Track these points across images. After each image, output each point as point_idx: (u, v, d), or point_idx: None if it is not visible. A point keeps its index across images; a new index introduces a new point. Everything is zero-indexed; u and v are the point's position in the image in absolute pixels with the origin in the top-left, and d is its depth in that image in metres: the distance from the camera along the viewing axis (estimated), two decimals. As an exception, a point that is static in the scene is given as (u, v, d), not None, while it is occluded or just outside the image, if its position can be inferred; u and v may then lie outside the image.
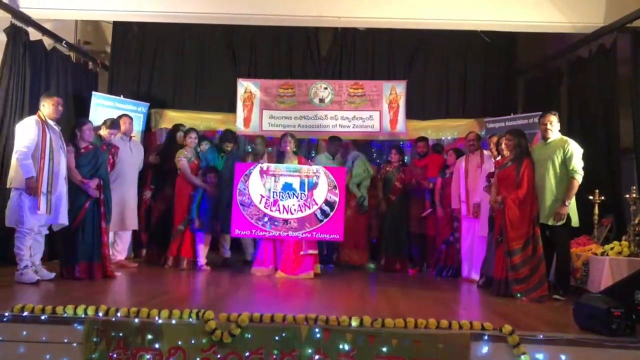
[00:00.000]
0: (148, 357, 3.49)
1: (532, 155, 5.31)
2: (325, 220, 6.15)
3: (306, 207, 6.14)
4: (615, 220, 5.87)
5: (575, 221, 5.12)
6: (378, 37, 8.14)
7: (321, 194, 6.18)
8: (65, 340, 3.51)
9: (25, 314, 3.59)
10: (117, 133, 6.14)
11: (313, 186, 6.19)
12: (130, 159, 6.41)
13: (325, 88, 7.98)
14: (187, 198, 6.39)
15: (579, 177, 5.00)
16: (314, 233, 6.13)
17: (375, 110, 7.93)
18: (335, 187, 6.19)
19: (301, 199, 6.16)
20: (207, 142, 6.81)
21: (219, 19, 6.99)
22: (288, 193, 6.17)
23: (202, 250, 6.37)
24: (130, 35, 8.17)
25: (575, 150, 5.04)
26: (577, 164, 5.01)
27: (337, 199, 6.18)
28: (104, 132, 5.95)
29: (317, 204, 6.17)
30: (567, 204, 4.98)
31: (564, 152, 5.04)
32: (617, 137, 6.21)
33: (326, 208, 6.16)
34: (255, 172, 6.19)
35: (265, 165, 6.26)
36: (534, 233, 5.02)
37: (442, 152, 7.23)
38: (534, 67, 8.16)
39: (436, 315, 3.72)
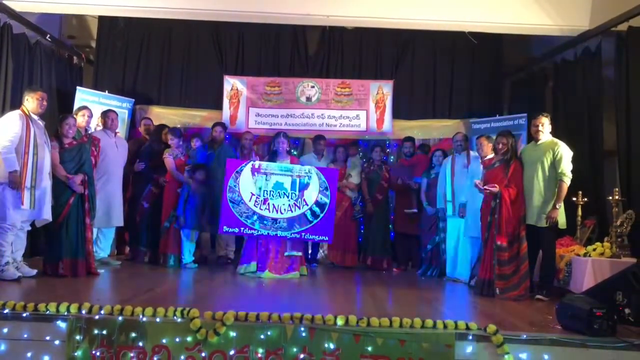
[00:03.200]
0: (132, 355, 3.47)
1: (521, 156, 5.37)
2: (315, 222, 6.10)
3: (296, 207, 6.09)
4: (597, 222, 5.95)
5: (562, 223, 5.17)
6: (366, 36, 8.13)
7: (312, 194, 6.13)
8: (48, 338, 3.49)
9: (6, 311, 3.55)
10: (89, 114, 6.02)
11: (304, 186, 6.15)
12: (116, 155, 6.32)
13: (313, 86, 7.97)
14: (174, 195, 6.39)
15: (567, 180, 5.04)
16: (303, 234, 6.09)
17: (362, 109, 7.94)
18: (326, 188, 6.16)
19: (292, 198, 6.11)
20: (198, 138, 6.78)
21: (206, 15, 6.94)
22: (279, 192, 6.10)
23: (188, 248, 6.34)
24: (115, 30, 8.06)
25: (565, 153, 5.09)
26: (566, 166, 5.05)
27: (328, 201, 6.14)
28: (79, 119, 5.80)
29: (307, 205, 6.12)
30: (557, 207, 5.03)
31: (554, 154, 5.08)
32: (601, 140, 6.29)
33: (316, 209, 6.12)
34: (247, 170, 6.13)
35: (257, 163, 6.20)
36: (519, 233, 5.08)
37: (428, 152, 7.25)
38: (520, 69, 8.23)
39: (421, 315, 3.75)
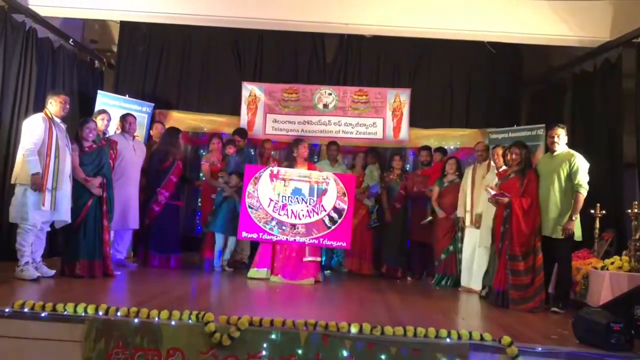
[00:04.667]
0: (147, 357, 3.48)
1: (537, 167, 5.35)
2: (333, 227, 6.13)
3: (314, 213, 6.13)
4: (616, 235, 5.88)
5: (578, 235, 5.12)
6: (384, 44, 8.14)
7: (330, 200, 6.16)
8: (65, 338, 3.51)
9: (25, 310, 3.59)
10: (108, 117, 6.13)
11: (322, 192, 6.18)
12: (134, 159, 6.39)
13: (330, 94, 8.01)
14: (210, 201, 6.65)
15: (583, 192, 5.00)
16: (321, 239, 6.12)
17: (379, 117, 7.96)
18: (344, 194, 6.19)
19: (310, 204, 6.14)
20: (232, 145, 6.92)
21: (226, 21, 7.01)
22: (297, 198, 6.15)
23: (219, 252, 6.46)
24: (137, 35, 8.19)
25: (581, 165, 5.05)
26: (583, 178, 5.02)
27: (345, 207, 6.17)
28: (98, 123, 5.85)
29: (325, 211, 6.15)
30: (573, 218, 4.99)
31: (570, 165, 5.05)
32: (620, 152, 6.22)
33: (334, 215, 6.15)
34: (265, 175, 6.17)
35: (275, 169, 6.25)
36: (534, 245, 5.04)
37: (445, 155, 7.22)
38: (539, 80, 8.19)
39: (435, 324, 3.72)
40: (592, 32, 6.57)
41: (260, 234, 6.08)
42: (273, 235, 6.06)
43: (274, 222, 6.08)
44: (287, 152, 7.15)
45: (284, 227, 6.09)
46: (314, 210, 6.14)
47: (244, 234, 6.10)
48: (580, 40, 6.64)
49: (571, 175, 5.04)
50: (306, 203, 6.15)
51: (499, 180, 5.51)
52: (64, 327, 3.53)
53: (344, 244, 6.19)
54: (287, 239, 6.06)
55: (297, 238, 6.07)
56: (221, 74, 8.23)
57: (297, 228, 6.09)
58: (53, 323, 3.54)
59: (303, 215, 6.13)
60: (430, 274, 6.92)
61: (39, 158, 4.89)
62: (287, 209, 6.12)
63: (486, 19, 6.68)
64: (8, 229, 5.61)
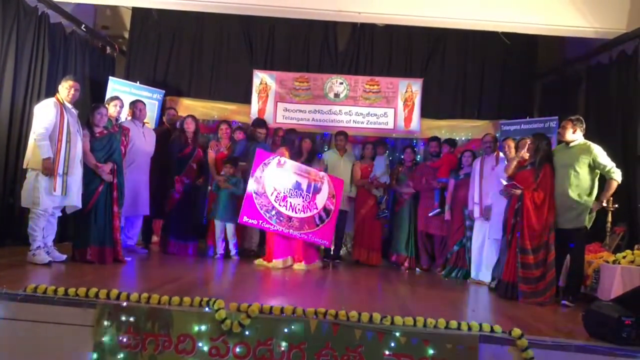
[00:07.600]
0: (157, 343, 3.50)
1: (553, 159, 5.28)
2: (320, 226, 6.39)
3: (308, 210, 6.36)
4: (628, 229, 5.83)
5: (586, 223, 5.07)
6: (396, 33, 8.09)
7: (322, 200, 6.45)
8: (77, 323, 3.53)
9: (38, 294, 3.61)
10: (120, 104, 6.08)
11: (317, 190, 6.43)
12: (144, 145, 6.40)
13: (341, 83, 7.96)
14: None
15: (617, 176, 4.99)
16: (310, 235, 6.35)
17: (390, 107, 7.92)
18: (333, 196, 6.47)
19: (306, 200, 6.35)
20: (240, 131, 6.93)
21: (238, 9, 6.97)
22: (297, 192, 6.32)
23: (220, 240, 6.49)
24: (148, 21, 8.17)
25: (601, 151, 5.01)
26: (609, 162, 4.99)
27: (332, 208, 6.48)
28: (111, 109, 5.84)
29: (317, 209, 6.40)
30: (603, 201, 5.07)
31: (592, 157, 5.00)
32: (634, 145, 6.15)
33: (323, 214, 6.43)
34: (273, 164, 6.26)
35: (282, 160, 6.32)
36: (547, 240, 4.99)
37: (455, 147, 7.18)
38: (553, 71, 8.10)
39: (445, 316, 3.71)
40: (608, 24, 6.48)
41: (260, 222, 6.16)
42: (271, 224, 6.17)
43: (274, 212, 6.19)
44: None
45: (281, 218, 6.21)
46: (308, 207, 6.36)
47: (245, 218, 6.13)
48: (596, 32, 6.55)
49: (596, 166, 4.99)
50: (303, 198, 6.33)
51: (516, 170, 5.44)
52: (75, 312, 3.56)
53: (326, 243, 6.57)
54: (282, 230, 6.20)
55: (291, 231, 6.23)
56: (232, 62, 8.21)
57: (292, 221, 6.27)
58: (64, 307, 3.56)
59: (299, 209, 6.31)
60: (439, 265, 6.91)
61: (50, 143, 4.91)
62: (287, 201, 6.28)
63: (501, 9, 6.60)
64: (20, 213, 5.65)
